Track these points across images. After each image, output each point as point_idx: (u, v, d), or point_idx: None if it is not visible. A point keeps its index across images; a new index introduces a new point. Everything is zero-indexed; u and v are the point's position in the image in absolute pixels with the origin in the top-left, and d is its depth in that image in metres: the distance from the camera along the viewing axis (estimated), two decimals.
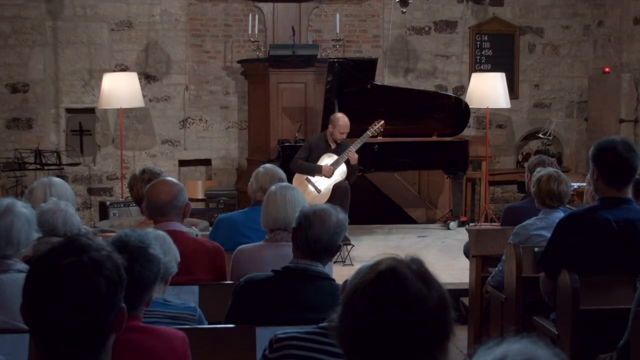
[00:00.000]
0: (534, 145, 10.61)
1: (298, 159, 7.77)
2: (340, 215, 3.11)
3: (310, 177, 7.74)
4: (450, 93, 9.89)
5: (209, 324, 3.11)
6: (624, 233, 3.62)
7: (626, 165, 3.61)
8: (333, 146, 7.77)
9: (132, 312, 2.41)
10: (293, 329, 2.48)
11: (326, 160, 7.72)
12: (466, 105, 8.96)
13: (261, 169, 4.55)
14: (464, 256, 5.94)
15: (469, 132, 9.80)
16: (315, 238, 3.02)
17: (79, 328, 1.68)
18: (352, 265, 6.91)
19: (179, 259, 3.01)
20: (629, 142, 3.68)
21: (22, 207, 3.15)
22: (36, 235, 3.23)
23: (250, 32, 9.46)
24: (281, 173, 4.51)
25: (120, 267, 1.75)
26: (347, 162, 7.70)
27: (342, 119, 7.69)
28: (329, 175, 7.65)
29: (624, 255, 3.65)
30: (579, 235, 3.67)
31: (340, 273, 5.24)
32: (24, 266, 3.05)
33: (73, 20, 9.70)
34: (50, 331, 1.68)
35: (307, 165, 7.72)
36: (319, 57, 9.28)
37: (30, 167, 9.07)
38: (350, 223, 7.73)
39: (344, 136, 7.72)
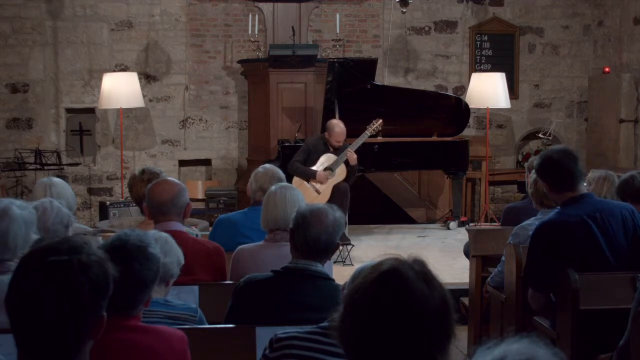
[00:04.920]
0: (534, 145, 10.61)
1: (295, 162, 7.71)
2: (337, 213, 3.10)
3: None
4: (450, 93, 9.88)
5: (209, 324, 3.11)
6: (598, 225, 3.71)
7: (567, 171, 3.75)
8: (331, 149, 7.74)
9: (131, 312, 2.41)
10: (293, 328, 2.48)
11: (325, 160, 7.69)
12: (466, 105, 8.95)
13: (260, 169, 4.55)
14: (464, 256, 5.94)
15: (469, 132, 9.80)
16: (315, 238, 3.01)
17: (56, 327, 1.65)
18: (352, 265, 6.91)
19: (182, 263, 3.01)
20: (564, 150, 3.84)
21: (18, 209, 3.08)
22: (35, 236, 3.19)
23: (250, 32, 9.46)
24: (281, 173, 4.50)
25: (109, 275, 1.72)
26: (346, 163, 7.67)
27: (337, 126, 7.62)
28: (323, 181, 7.60)
29: (605, 245, 3.72)
30: (558, 238, 3.71)
31: (341, 273, 5.24)
32: None
33: (73, 20, 9.70)
34: (29, 326, 1.66)
35: (302, 169, 7.66)
36: (319, 57, 9.27)
37: (30, 167, 9.07)
38: (350, 223, 7.86)
39: (340, 143, 7.65)
